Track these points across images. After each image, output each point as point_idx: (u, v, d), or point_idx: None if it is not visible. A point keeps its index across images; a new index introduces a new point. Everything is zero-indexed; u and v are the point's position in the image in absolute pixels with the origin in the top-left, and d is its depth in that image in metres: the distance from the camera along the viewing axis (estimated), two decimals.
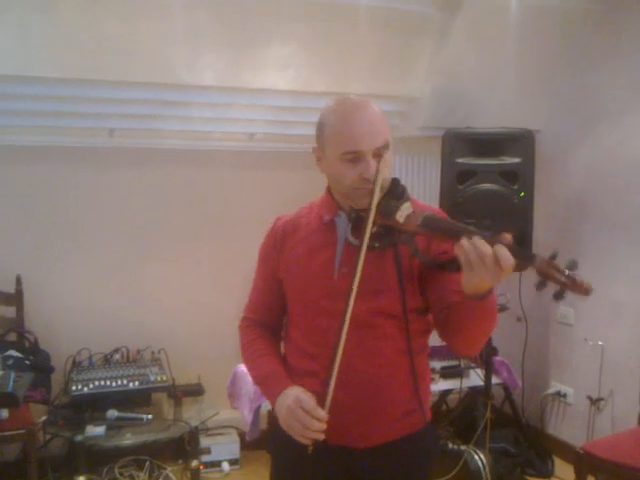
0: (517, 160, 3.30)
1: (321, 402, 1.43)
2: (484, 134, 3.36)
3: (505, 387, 3.63)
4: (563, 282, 1.23)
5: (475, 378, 3.46)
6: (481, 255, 1.23)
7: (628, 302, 3.22)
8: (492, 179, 3.28)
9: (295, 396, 1.46)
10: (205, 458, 3.45)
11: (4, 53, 2.91)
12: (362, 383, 1.50)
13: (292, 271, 1.60)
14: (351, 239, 1.47)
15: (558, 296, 1.24)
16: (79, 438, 2.88)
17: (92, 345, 3.41)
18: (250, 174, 3.71)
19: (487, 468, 2.97)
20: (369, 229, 1.40)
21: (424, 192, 3.87)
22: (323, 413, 1.41)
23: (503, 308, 3.58)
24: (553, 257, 1.24)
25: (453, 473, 3.01)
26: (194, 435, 3.15)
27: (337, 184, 1.54)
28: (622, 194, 3.28)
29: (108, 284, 3.52)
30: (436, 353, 3.37)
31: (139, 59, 3.08)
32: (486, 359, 3.37)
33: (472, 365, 3.49)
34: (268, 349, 1.67)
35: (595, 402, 3.38)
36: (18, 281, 3.31)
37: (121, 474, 3.32)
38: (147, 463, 3.37)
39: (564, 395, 3.64)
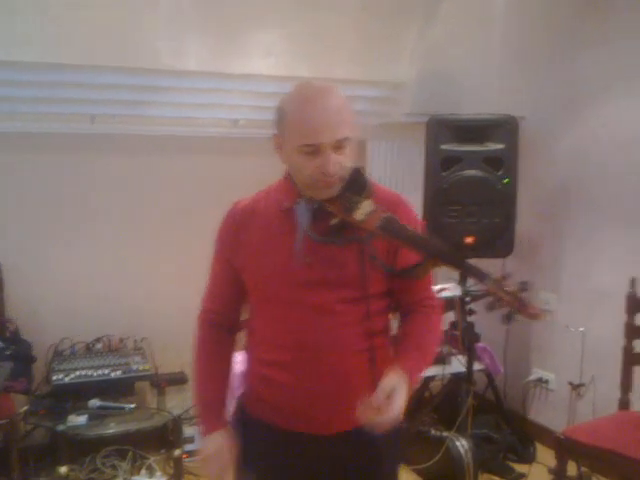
0: (501, 146, 3.30)
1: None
2: (468, 120, 3.36)
3: (487, 373, 3.65)
4: (513, 305, 1.23)
5: (457, 365, 3.48)
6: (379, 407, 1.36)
7: (610, 288, 3.24)
8: (476, 165, 3.28)
9: (217, 449, 1.56)
10: (188, 447, 3.43)
11: None
12: (325, 370, 1.49)
13: (250, 260, 1.56)
14: (310, 232, 1.44)
15: (507, 319, 1.26)
16: (61, 428, 2.86)
17: (74, 334, 3.38)
18: (234, 160, 3.68)
19: (469, 454, 2.98)
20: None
21: (409, 178, 3.86)
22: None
23: (486, 295, 3.58)
24: (505, 277, 1.25)
25: (435, 459, 3.03)
26: (177, 424, 3.14)
27: (297, 174, 1.50)
28: (606, 180, 3.29)
29: (91, 272, 3.48)
30: None
31: (122, 44, 3.04)
32: (468, 345, 3.39)
33: (454, 352, 3.51)
34: (213, 369, 1.66)
35: (576, 388, 3.41)
36: None
37: (103, 464, 3.30)
38: (130, 453, 3.35)
39: (546, 381, 3.67)
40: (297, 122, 1.44)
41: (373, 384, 1.51)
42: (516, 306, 1.23)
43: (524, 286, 1.23)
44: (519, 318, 1.26)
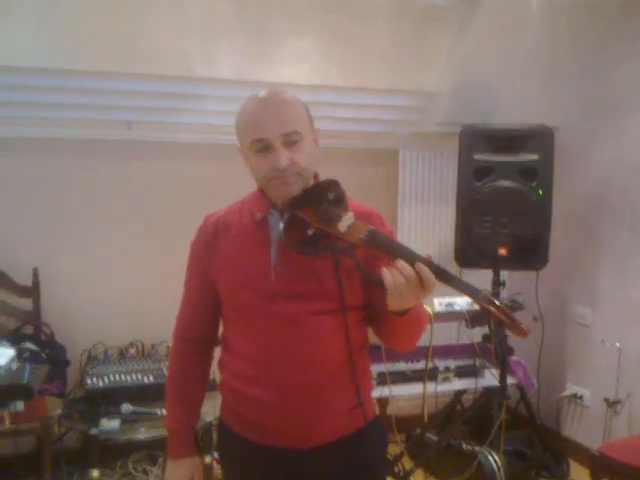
0: (536, 157, 3.26)
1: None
2: (502, 130, 3.33)
3: (520, 387, 3.59)
4: (502, 320, 1.26)
5: (490, 378, 3.42)
6: (408, 278, 1.26)
7: None
8: (510, 176, 3.24)
9: None
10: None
11: (21, 45, 2.92)
12: (300, 383, 1.46)
13: (224, 271, 1.54)
14: (285, 240, 1.42)
15: (497, 333, 1.31)
16: (93, 432, 2.88)
17: (107, 339, 3.42)
18: None
19: (501, 470, 2.94)
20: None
21: (440, 189, 3.84)
22: None
23: (520, 307, 3.54)
24: (495, 294, 1.29)
25: (467, 474, 2.98)
26: (208, 430, 3.14)
27: (256, 177, 1.50)
28: None
29: (124, 278, 3.52)
30: (451, 352, 3.34)
31: (156, 52, 3.07)
32: (502, 358, 3.34)
33: (487, 365, 3.46)
34: (185, 392, 1.66)
35: (612, 404, 3.34)
36: (35, 273, 3.33)
37: (134, 468, 3.33)
38: (160, 458, 3.37)
39: (580, 397, 3.60)
40: (246, 121, 1.47)
41: (354, 398, 1.50)
42: (505, 321, 1.26)
43: (514, 304, 1.30)
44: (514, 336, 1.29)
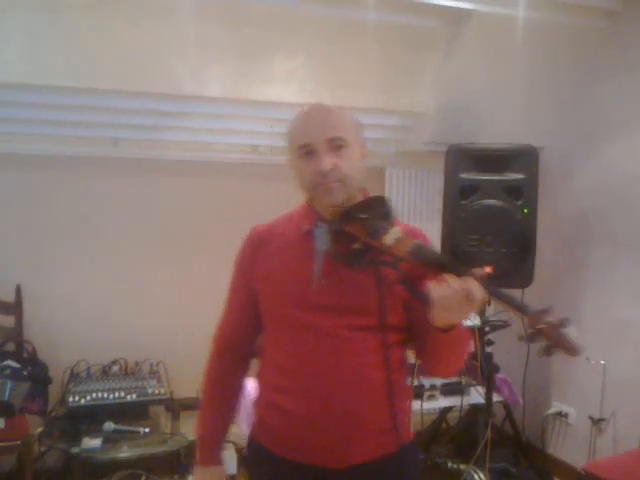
0: (521, 176, 3.28)
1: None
2: (488, 150, 3.35)
3: (506, 405, 3.60)
4: (553, 338, 1.21)
5: (476, 395, 3.43)
6: (456, 292, 1.23)
7: (632, 321, 3.19)
8: (496, 195, 3.26)
9: None
10: None
11: (10, 61, 2.92)
12: (337, 400, 1.44)
13: (267, 282, 1.55)
14: (332, 252, 1.42)
15: (547, 352, 1.21)
16: (75, 450, 2.85)
17: (90, 356, 3.39)
18: (253, 186, 3.70)
19: None
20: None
21: (427, 206, 3.86)
22: None
23: (505, 325, 3.55)
24: (547, 311, 1.23)
25: None
26: (191, 449, 3.11)
27: (302, 185, 1.51)
28: (627, 211, 3.26)
29: (108, 295, 3.50)
30: None
31: (145, 69, 3.08)
32: (487, 376, 3.34)
33: (473, 382, 3.46)
34: (220, 402, 1.67)
35: (597, 422, 3.34)
36: (18, 290, 3.30)
37: None
38: (143, 477, 3.33)
39: (565, 415, 3.60)
40: (293, 129, 1.52)
41: (389, 419, 1.48)
42: (556, 340, 1.21)
43: (565, 322, 1.21)
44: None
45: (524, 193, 3.27)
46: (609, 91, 3.34)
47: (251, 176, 3.70)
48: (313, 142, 1.44)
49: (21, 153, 3.31)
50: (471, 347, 1.50)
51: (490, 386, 3.35)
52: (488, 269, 3.21)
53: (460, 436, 3.57)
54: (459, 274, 1.24)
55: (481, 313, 3.30)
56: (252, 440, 1.63)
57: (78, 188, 3.44)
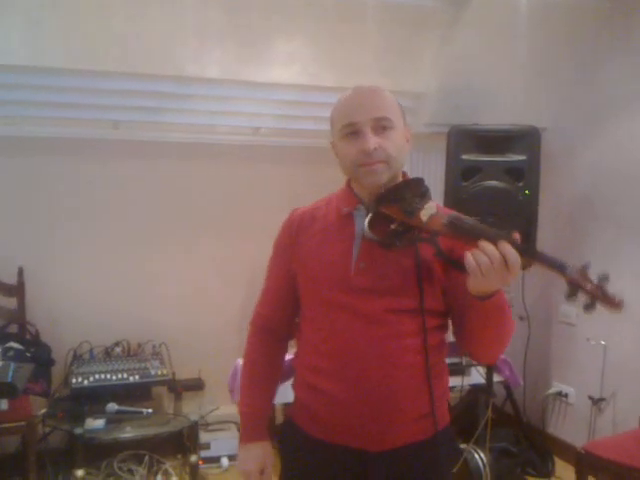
0: (523, 157, 3.27)
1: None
2: (490, 131, 3.34)
3: (506, 385, 3.62)
4: (595, 294, 1.21)
5: (476, 376, 3.45)
6: (491, 258, 1.22)
7: (633, 301, 3.15)
8: (497, 176, 3.26)
9: (249, 471, 1.59)
10: (204, 453, 3.44)
11: (10, 43, 2.90)
12: (375, 383, 1.44)
13: (306, 263, 1.54)
14: (368, 233, 1.41)
15: (589, 308, 1.21)
16: (78, 431, 2.87)
17: (93, 338, 3.41)
18: (255, 168, 3.70)
19: (487, 467, 2.95)
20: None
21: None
22: None
23: None
24: (585, 267, 1.22)
25: (453, 471, 2.99)
26: (194, 430, 3.14)
27: (344, 166, 1.50)
28: (629, 191, 3.25)
29: (110, 277, 3.51)
30: None
31: (146, 51, 3.07)
32: None
33: (474, 363, 3.48)
34: (261, 377, 1.66)
35: (597, 402, 3.36)
36: (20, 273, 3.31)
37: (120, 468, 3.31)
38: (146, 457, 3.36)
39: (565, 395, 3.63)
40: (338, 109, 1.49)
41: (427, 404, 1.47)
42: (598, 296, 1.21)
43: (605, 277, 1.21)
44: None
45: (526, 174, 3.27)
46: (611, 72, 3.32)
47: (253, 158, 3.69)
48: (358, 121, 1.42)
49: (22, 136, 3.30)
50: (513, 328, 1.46)
51: (491, 366, 3.37)
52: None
53: (461, 416, 3.59)
54: (495, 240, 1.24)
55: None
56: (289, 419, 1.63)
57: (80, 171, 3.44)
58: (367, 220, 1.43)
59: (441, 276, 1.45)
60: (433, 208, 1.36)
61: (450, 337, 1.55)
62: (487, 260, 1.22)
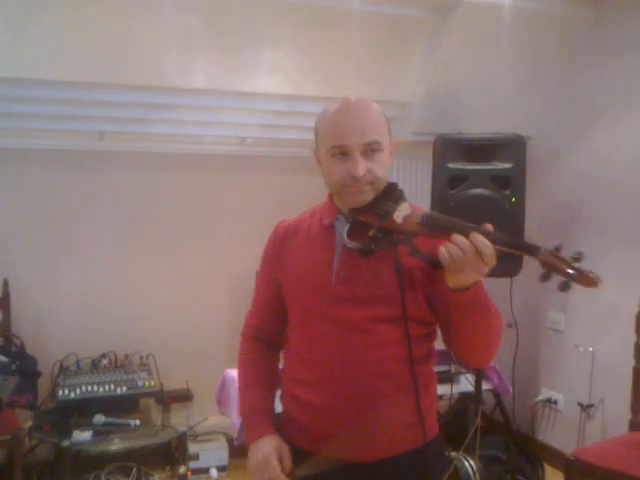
0: (508, 165, 3.29)
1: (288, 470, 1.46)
2: (476, 139, 3.35)
3: (496, 393, 3.62)
4: (569, 274, 1.20)
5: (466, 384, 3.45)
6: (462, 248, 1.22)
7: (620, 307, 3.22)
8: (484, 184, 3.27)
9: (265, 456, 1.50)
10: (193, 464, 3.41)
11: None
12: (360, 393, 1.43)
13: (290, 274, 1.57)
14: (347, 242, 1.42)
15: (564, 287, 1.21)
16: (65, 443, 2.84)
17: (80, 350, 3.38)
18: (241, 178, 3.69)
19: (477, 475, 2.95)
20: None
21: (415, 197, 3.85)
22: None
23: None
24: (558, 249, 1.23)
25: None
26: (182, 441, 3.12)
27: (329, 182, 1.50)
28: (614, 198, 3.28)
29: (96, 288, 3.49)
30: None
31: (130, 62, 3.06)
32: None
33: (463, 371, 3.48)
34: (258, 378, 1.65)
35: (585, 409, 3.37)
36: (5, 284, 3.28)
37: None
38: (134, 469, 3.33)
39: (554, 402, 3.63)
40: (328, 127, 1.48)
41: (414, 414, 1.47)
42: (574, 275, 1.20)
43: (579, 255, 1.21)
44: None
45: (512, 182, 3.28)
46: (595, 79, 3.36)
47: (239, 169, 3.69)
48: (348, 145, 1.42)
49: (6, 147, 3.27)
50: (502, 328, 1.45)
51: (479, 374, 3.37)
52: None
53: (450, 424, 3.59)
54: (466, 232, 1.24)
55: None
56: (280, 431, 1.61)
57: (65, 182, 3.42)
58: (346, 229, 1.44)
59: (423, 282, 1.45)
60: (407, 209, 1.37)
61: (439, 345, 1.54)
62: (459, 251, 1.22)
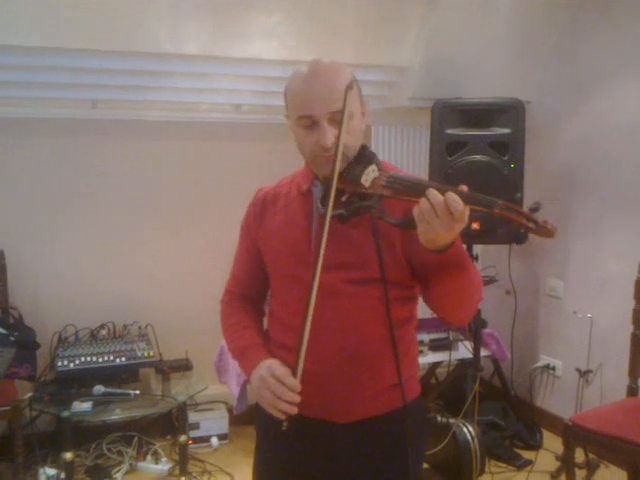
0: (507, 131, 3.26)
1: (293, 374, 1.38)
2: (474, 104, 3.32)
3: (494, 360, 3.64)
4: (526, 225, 1.20)
5: (464, 350, 3.46)
6: (432, 203, 1.19)
7: (617, 274, 3.21)
8: (482, 150, 3.24)
9: (268, 365, 1.43)
10: (194, 433, 3.44)
11: None
12: (340, 356, 1.45)
13: (270, 241, 1.57)
14: (321, 210, 1.40)
15: (521, 241, 1.22)
16: (66, 414, 2.85)
17: (78, 321, 3.38)
18: (236, 146, 3.66)
19: (476, 440, 2.97)
20: (331, 199, 1.34)
21: (413, 163, 3.83)
22: (295, 382, 1.35)
23: (492, 280, 3.57)
24: (516, 201, 1.22)
25: (442, 446, 3.01)
26: (182, 410, 3.13)
27: (301, 150, 1.49)
28: (612, 164, 3.25)
29: (94, 259, 3.48)
30: (425, 326, 3.37)
31: (121, 28, 3.00)
32: (475, 331, 3.37)
33: (461, 337, 3.49)
34: (248, 322, 1.65)
35: (584, 374, 3.39)
36: (1, 256, 3.26)
37: (109, 450, 3.31)
38: (135, 439, 3.36)
39: (553, 368, 3.65)
40: (295, 95, 1.45)
41: (394, 375, 1.48)
42: (531, 226, 1.20)
43: (536, 205, 1.21)
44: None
45: (510, 148, 3.26)
46: (595, 45, 3.30)
47: (234, 137, 3.64)
48: (315, 115, 1.40)
49: None
50: (481, 283, 1.43)
51: (478, 341, 3.39)
52: (476, 225, 3.21)
53: (449, 391, 3.62)
54: (438, 189, 1.22)
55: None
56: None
57: (59, 152, 3.38)
58: (319, 196, 1.44)
59: (402, 243, 1.44)
60: (375, 172, 1.36)
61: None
62: (430, 208, 1.19)
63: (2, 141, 3.28)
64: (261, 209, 1.61)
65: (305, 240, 1.49)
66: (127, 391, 3.08)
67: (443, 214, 1.19)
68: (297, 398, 1.35)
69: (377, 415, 1.50)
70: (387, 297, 1.45)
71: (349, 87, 1.37)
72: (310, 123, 1.41)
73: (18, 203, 3.34)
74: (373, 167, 1.37)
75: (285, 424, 1.37)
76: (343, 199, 1.39)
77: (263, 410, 1.48)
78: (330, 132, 1.39)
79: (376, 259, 1.44)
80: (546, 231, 1.21)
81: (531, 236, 3.50)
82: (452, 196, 1.18)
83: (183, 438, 3.08)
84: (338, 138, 1.37)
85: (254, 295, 1.69)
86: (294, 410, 1.35)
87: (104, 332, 3.39)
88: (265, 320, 1.69)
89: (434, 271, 1.36)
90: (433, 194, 1.20)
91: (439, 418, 3.15)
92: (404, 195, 1.31)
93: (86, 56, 3.09)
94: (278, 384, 1.37)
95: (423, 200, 1.21)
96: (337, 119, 1.38)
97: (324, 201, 1.40)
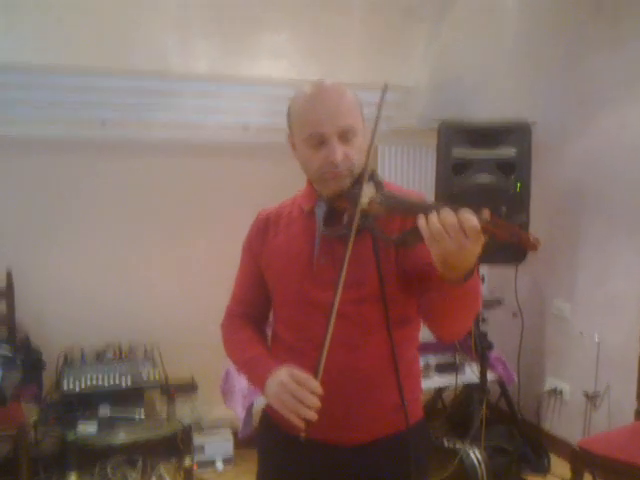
0: (513, 151, 3.26)
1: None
2: (480, 125, 3.32)
3: (501, 383, 3.60)
4: (510, 238, 1.15)
5: (470, 374, 3.43)
6: (443, 223, 1.14)
7: (625, 295, 3.19)
8: (488, 170, 3.24)
9: (288, 371, 1.37)
10: (199, 457, 3.42)
11: None
12: (342, 378, 1.45)
13: (272, 261, 1.57)
14: (323, 230, 1.43)
15: (519, 259, 1.20)
16: (71, 437, 2.84)
17: (84, 341, 3.38)
18: (244, 166, 3.67)
19: (483, 465, 2.93)
20: (355, 222, 1.35)
21: (419, 184, 3.83)
22: (317, 383, 1.32)
23: (499, 303, 3.54)
24: (498, 213, 1.20)
25: (449, 471, 2.98)
26: (187, 433, 3.11)
27: (307, 170, 1.50)
28: (620, 184, 3.24)
29: (100, 279, 3.48)
30: (431, 348, 3.34)
31: (131, 47, 3.04)
32: (481, 354, 3.34)
33: (467, 361, 3.46)
34: (252, 336, 1.63)
35: (591, 398, 3.35)
36: (9, 276, 3.27)
37: (113, 473, 3.28)
38: (140, 461, 3.33)
39: (560, 392, 3.61)
40: (301, 115, 1.46)
41: (396, 397, 1.47)
42: (512, 238, 1.15)
43: (517, 220, 1.20)
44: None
45: (517, 168, 3.25)
46: (600, 64, 3.31)
47: (242, 156, 3.66)
48: (325, 132, 1.41)
49: (6, 135, 3.25)
50: (480, 304, 1.39)
51: (484, 364, 3.35)
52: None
53: (455, 414, 3.58)
54: (427, 211, 1.18)
55: None
56: (266, 415, 1.62)
57: (67, 171, 3.40)
58: (322, 217, 1.45)
59: (395, 256, 1.45)
60: (371, 191, 1.37)
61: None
62: (439, 226, 1.14)
63: (11, 160, 3.30)
64: (264, 229, 1.62)
65: (307, 261, 1.49)
66: (132, 414, 3.07)
67: (455, 233, 1.13)
68: (318, 403, 1.32)
69: (379, 437, 1.49)
70: (387, 317, 1.45)
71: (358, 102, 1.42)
72: (318, 141, 1.42)
73: (26, 223, 3.36)
74: (371, 187, 1.38)
75: (304, 434, 1.34)
76: (345, 220, 1.40)
77: (268, 432, 1.47)
78: (339, 148, 1.41)
79: (376, 276, 1.44)
80: (530, 245, 1.15)
81: (538, 255, 3.49)
82: (466, 215, 1.13)
83: (188, 462, 3.07)
84: (365, 163, 1.39)
85: (256, 314, 1.69)
86: (314, 417, 1.32)
87: (110, 353, 3.39)
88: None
89: (444, 299, 1.31)
90: (443, 214, 1.15)
91: (445, 442, 3.12)
92: (399, 213, 1.34)
93: (96, 75, 3.12)
94: (301, 389, 1.33)
95: (431, 221, 1.16)
96: (345, 136, 1.41)
97: (327, 222, 1.43)
